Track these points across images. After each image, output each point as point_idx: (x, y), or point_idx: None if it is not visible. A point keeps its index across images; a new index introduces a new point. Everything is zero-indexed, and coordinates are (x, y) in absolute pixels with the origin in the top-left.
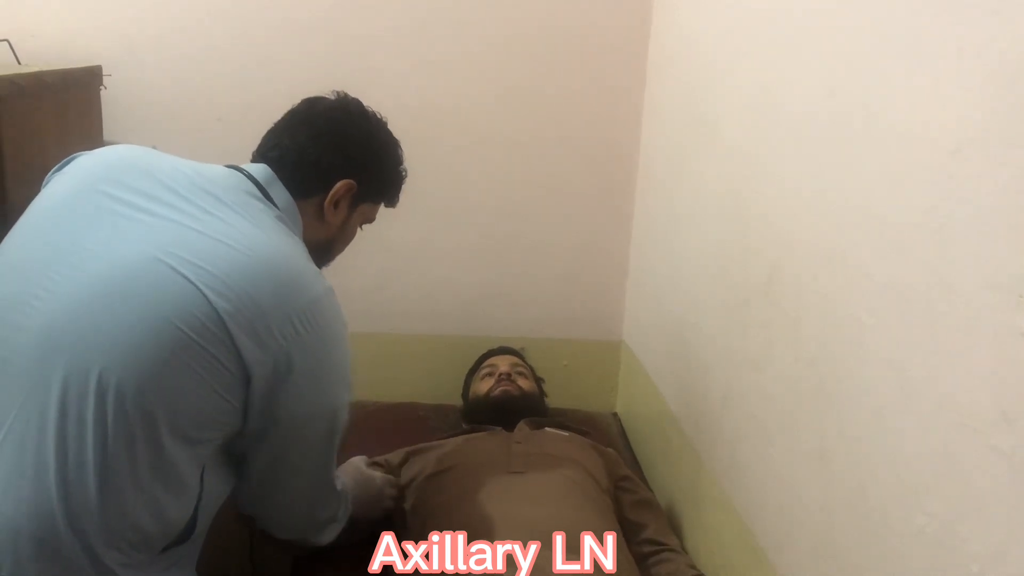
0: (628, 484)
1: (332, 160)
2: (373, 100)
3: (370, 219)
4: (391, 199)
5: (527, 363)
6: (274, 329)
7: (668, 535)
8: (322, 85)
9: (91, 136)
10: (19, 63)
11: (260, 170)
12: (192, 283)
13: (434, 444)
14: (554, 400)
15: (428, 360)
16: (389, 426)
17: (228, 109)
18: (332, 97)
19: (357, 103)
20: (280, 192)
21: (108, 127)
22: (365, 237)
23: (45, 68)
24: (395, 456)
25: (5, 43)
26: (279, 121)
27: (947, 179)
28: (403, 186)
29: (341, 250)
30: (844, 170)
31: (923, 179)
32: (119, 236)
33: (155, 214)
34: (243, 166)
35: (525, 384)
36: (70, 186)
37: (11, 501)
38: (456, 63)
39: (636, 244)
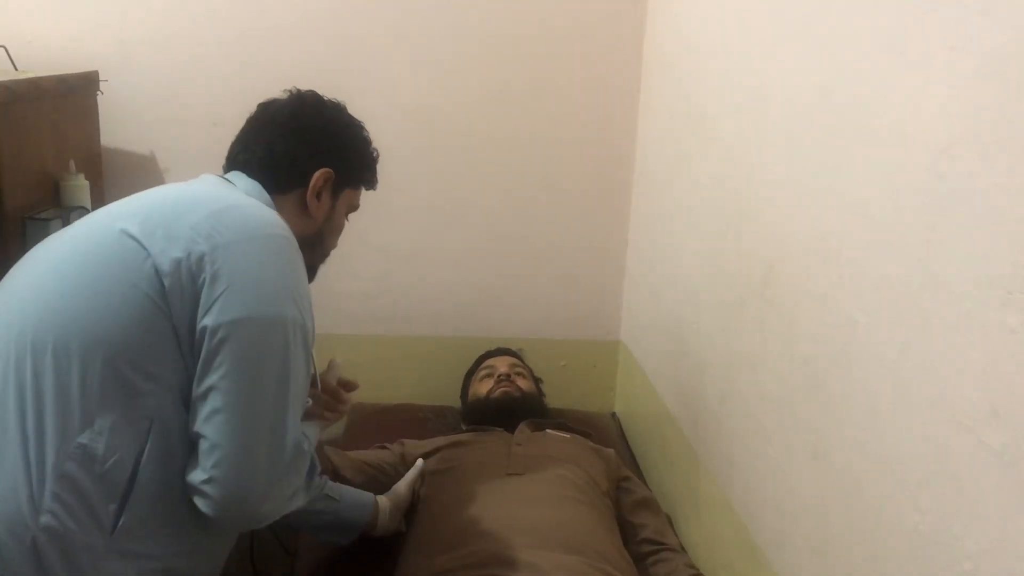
0: (627, 484)
1: (302, 152)
2: (369, 102)
3: (354, 206)
4: (370, 181)
5: (525, 364)
6: (186, 224)
7: (667, 534)
8: (319, 89)
9: (88, 141)
10: (16, 69)
11: (230, 174)
12: (123, 230)
13: (432, 444)
14: (553, 400)
15: (427, 362)
16: (389, 427)
17: (224, 114)
18: (285, 97)
19: (312, 94)
20: (243, 181)
21: (105, 132)
22: (363, 240)
23: (42, 74)
24: (416, 447)
25: (2, 49)
26: (241, 131)
27: (938, 178)
28: (377, 167)
29: (334, 243)
30: (837, 169)
31: (914, 178)
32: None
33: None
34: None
35: (524, 385)
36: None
37: None
38: (451, 64)
39: (633, 244)
